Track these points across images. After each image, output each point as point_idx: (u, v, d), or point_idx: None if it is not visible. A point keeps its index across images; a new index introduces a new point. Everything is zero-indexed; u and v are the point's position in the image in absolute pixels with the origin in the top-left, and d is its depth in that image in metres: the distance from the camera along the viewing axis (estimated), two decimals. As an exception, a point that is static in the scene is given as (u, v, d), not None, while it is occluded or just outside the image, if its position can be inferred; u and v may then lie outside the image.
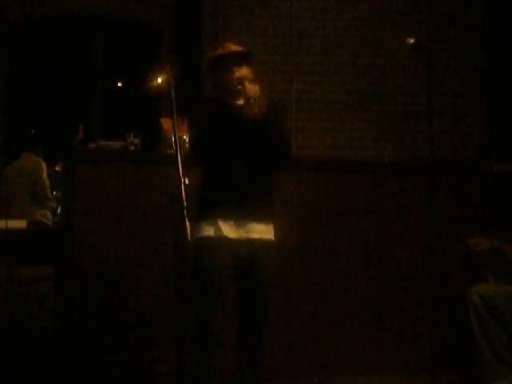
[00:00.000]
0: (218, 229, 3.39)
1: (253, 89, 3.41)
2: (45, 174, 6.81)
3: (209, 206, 3.46)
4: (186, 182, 3.07)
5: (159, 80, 3.40)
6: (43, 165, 6.85)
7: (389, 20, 7.42)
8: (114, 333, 4.30)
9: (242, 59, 3.61)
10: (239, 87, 3.47)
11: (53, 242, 5.30)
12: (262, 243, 3.43)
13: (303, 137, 7.20)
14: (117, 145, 4.66)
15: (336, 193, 4.78)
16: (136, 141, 4.56)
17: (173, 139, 4.35)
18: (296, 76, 6.76)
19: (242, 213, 3.41)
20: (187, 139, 4.61)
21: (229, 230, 3.40)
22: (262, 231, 3.45)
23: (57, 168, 6.82)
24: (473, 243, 4.14)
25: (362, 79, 7.38)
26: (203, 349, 3.33)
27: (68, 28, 7.94)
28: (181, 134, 4.50)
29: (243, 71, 3.56)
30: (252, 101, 3.38)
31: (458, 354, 4.53)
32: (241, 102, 3.52)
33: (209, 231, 3.40)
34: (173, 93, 3.22)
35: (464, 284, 4.30)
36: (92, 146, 4.76)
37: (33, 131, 7.33)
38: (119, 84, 8.49)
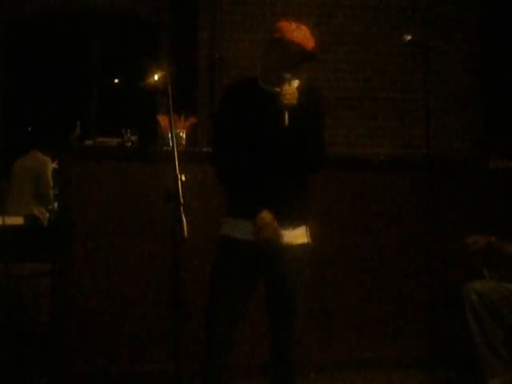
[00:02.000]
0: (242, 230, 3.13)
1: (290, 95, 3.07)
2: (49, 173, 6.81)
3: (235, 206, 3.18)
4: (183, 178, 3.06)
5: (156, 77, 3.40)
6: (50, 164, 6.85)
7: (385, 17, 7.42)
8: (111, 330, 4.30)
9: (301, 56, 3.22)
10: (277, 89, 3.11)
11: (50, 239, 5.30)
12: (289, 247, 3.14)
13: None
14: (113, 142, 4.65)
15: (332, 190, 4.78)
16: (133, 138, 4.55)
17: (170, 136, 4.35)
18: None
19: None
20: (184, 136, 4.62)
21: (245, 229, 3.13)
22: (290, 235, 3.15)
23: (54, 165, 6.82)
24: (471, 242, 4.15)
25: (359, 76, 7.37)
26: (206, 352, 3.17)
27: (64, 25, 7.93)
28: (177, 131, 4.51)
29: (288, 72, 3.13)
30: (286, 109, 3.04)
31: (455, 351, 4.54)
32: (277, 89, 3.16)
33: (232, 231, 3.15)
34: (170, 90, 3.22)
35: (461, 281, 4.31)
36: (89, 142, 4.76)
37: (29, 128, 7.33)
38: (116, 81, 8.48)
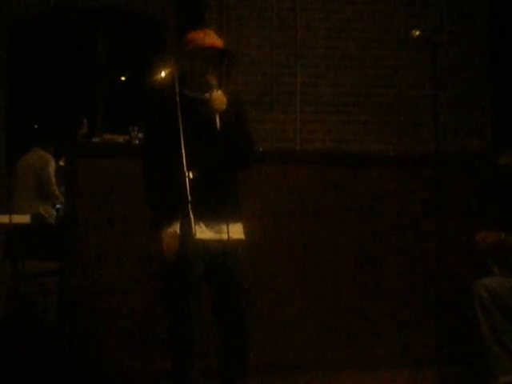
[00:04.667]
0: (187, 229, 3.16)
1: (219, 100, 3.24)
2: (52, 170, 6.81)
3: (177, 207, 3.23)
4: (191, 176, 3.05)
5: (163, 74, 3.38)
6: (52, 161, 6.85)
7: (394, 12, 7.38)
8: (119, 327, 4.30)
9: (219, 57, 3.38)
10: (206, 95, 3.27)
11: (57, 237, 5.30)
12: (234, 243, 3.29)
13: (308, 130, 7.18)
14: (120, 139, 4.65)
15: (340, 186, 4.76)
16: (140, 135, 4.55)
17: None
18: (300, 69, 6.73)
19: (212, 213, 3.25)
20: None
21: (199, 231, 3.21)
22: (233, 231, 3.29)
23: (60, 162, 6.82)
24: (480, 238, 4.13)
25: (367, 72, 7.34)
26: (180, 349, 3.26)
27: (70, 21, 7.92)
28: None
29: (215, 77, 3.31)
30: (217, 113, 3.23)
31: (465, 348, 4.51)
32: (205, 96, 3.32)
33: (180, 231, 3.22)
34: (177, 87, 3.21)
35: (470, 277, 4.29)
36: (96, 140, 4.76)
37: (36, 126, 7.32)
38: (123, 78, 8.47)
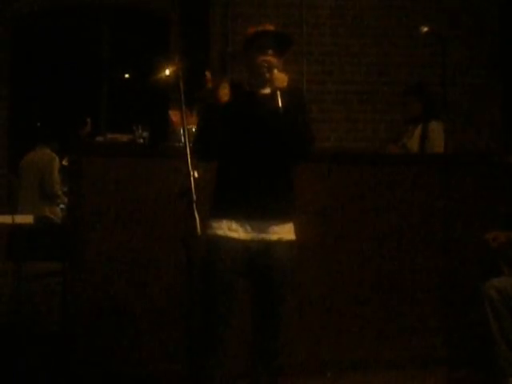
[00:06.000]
0: (230, 229, 3.23)
1: (281, 78, 3.21)
2: (56, 169, 6.78)
3: (221, 204, 3.30)
4: (196, 175, 3.02)
5: (167, 71, 3.35)
6: (56, 160, 6.82)
7: (401, 8, 7.34)
8: (122, 329, 4.27)
9: (278, 43, 3.33)
10: (267, 75, 3.25)
11: (61, 238, 5.28)
12: (278, 243, 3.25)
13: (314, 128, 7.11)
14: (124, 138, 4.62)
15: (348, 185, 4.73)
16: (144, 134, 4.53)
17: (181, 132, 4.30)
18: (307, 66, 6.69)
19: (257, 212, 3.23)
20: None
21: (241, 230, 3.22)
22: (278, 231, 3.26)
23: (63, 162, 6.78)
24: (491, 238, 4.09)
25: (375, 69, 7.30)
26: (206, 349, 3.22)
27: (74, 19, 7.92)
28: (189, 127, 4.44)
29: (273, 58, 3.28)
30: (278, 92, 3.16)
31: (474, 349, 4.48)
32: (266, 91, 3.31)
33: (220, 230, 3.24)
34: (181, 84, 3.17)
35: (480, 277, 4.25)
36: (99, 139, 4.73)
37: (39, 125, 7.30)
38: (127, 76, 8.45)
